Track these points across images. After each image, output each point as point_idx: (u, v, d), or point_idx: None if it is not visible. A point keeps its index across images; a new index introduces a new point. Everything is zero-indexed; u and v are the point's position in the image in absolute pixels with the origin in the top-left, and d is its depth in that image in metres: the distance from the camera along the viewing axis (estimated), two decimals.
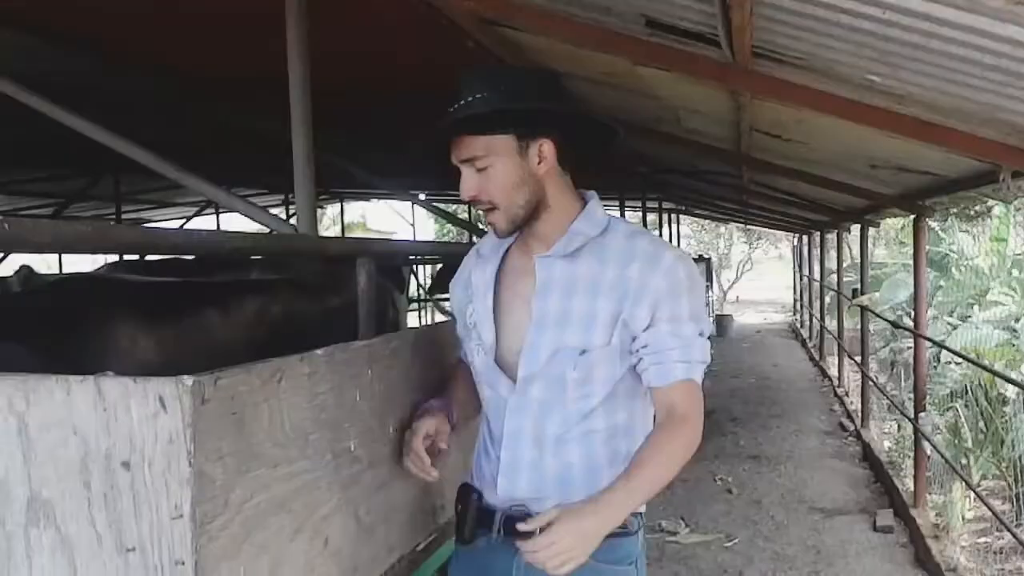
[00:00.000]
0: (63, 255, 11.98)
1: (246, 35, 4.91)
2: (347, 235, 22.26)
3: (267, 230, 4.92)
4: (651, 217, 19.44)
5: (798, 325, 25.18)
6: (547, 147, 2.29)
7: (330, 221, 30.63)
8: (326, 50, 5.05)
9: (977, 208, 7.65)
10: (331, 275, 5.31)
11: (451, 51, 5.26)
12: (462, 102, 2.23)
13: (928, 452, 7.74)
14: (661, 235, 20.83)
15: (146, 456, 1.49)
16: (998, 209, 11.31)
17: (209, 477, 1.51)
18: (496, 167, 2.26)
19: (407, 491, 2.39)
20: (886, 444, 10.32)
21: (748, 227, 31.08)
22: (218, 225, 17.11)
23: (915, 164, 5.79)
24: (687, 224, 33.11)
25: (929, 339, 8.17)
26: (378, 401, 2.21)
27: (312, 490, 1.85)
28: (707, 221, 32.28)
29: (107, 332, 4.70)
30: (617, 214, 12.19)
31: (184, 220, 17.09)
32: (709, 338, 2.30)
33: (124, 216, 14.63)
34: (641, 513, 2.36)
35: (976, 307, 10.58)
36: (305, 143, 3.59)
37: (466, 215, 20.10)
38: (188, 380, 1.47)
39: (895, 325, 10.22)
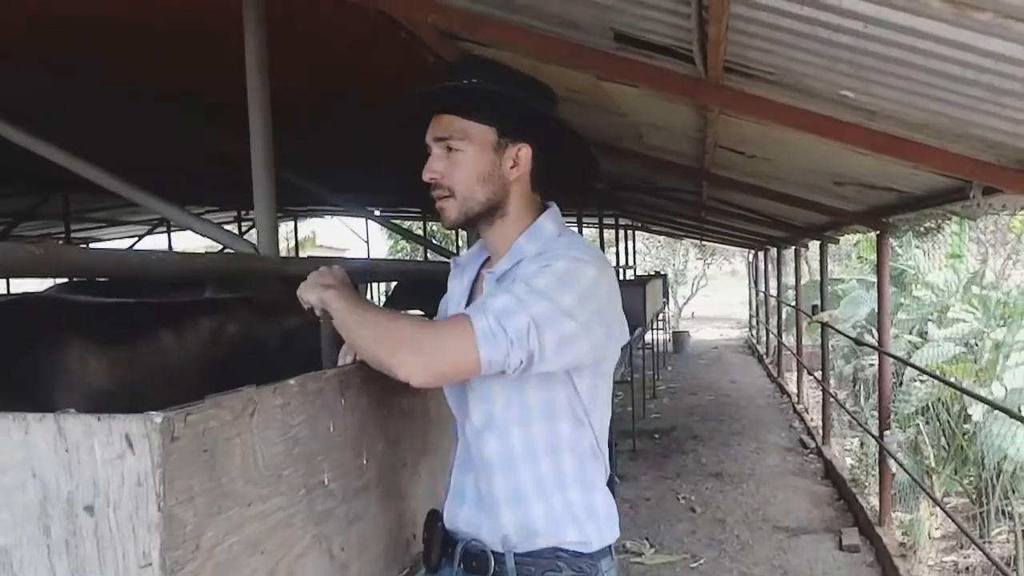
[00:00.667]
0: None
1: (199, 47, 4.80)
2: (299, 253, 22.09)
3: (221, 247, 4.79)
4: (608, 234, 19.47)
5: (754, 341, 25.26)
6: (524, 153, 2.19)
7: (282, 239, 30.37)
8: (279, 62, 4.99)
9: (928, 224, 7.65)
10: (288, 295, 5.18)
11: (411, 65, 5.18)
12: (456, 82, 2.16)
13: (893, 470, 7.72)
14: (617, 251, 20.93)
15: (111, 500, 1.37)
16: (953, 225, 11.36)
17: (180, 521, 1.40)
18: (467, 153, 2.16)
19: (381, 523, 2.29)
20: (848, 461, 10.32)
21: (703, 243, 31.19)
22: (170, 244, 16.85)
23: (881, 181, 5.77)
24: (643, 240, 33.19)
25: (894, 356, 8.17)
26: (352, 431, 2.10)
27: (286, 528, 1.75)
28: (663, 237, 32.36)
29: (56, 355, 4.56)
30: (574, 230, 12.13)
31: (135, 239, 16.84)
32: (635, 350, 2.20)
33: (74, 235, 14.40)
34: (611, 546, 2.25)
35: (935, 325, 10.61)
36: (265, 158, 3.48)
37: (421, 231, 20.01)
38: (157, 417, 1.36)
39: (858, 343, 10.22)
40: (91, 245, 18.39)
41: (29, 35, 4.64)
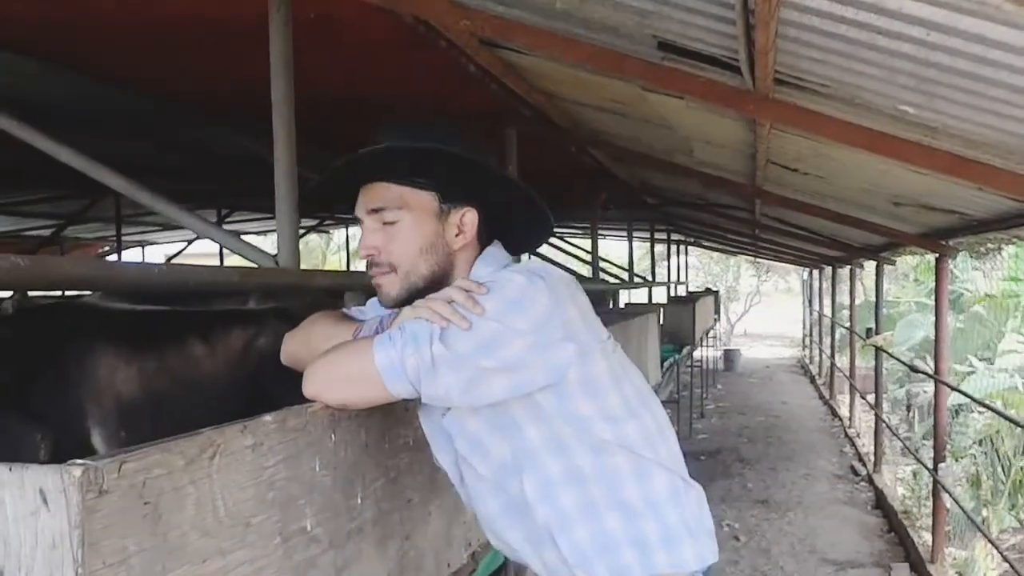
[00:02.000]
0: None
1: (226, 53, 4.68)
2: (352, 263, 21.96)
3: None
4: (659, 248, 19.22)
5: (807, 361, 24.84)
6: (470, 218, 1.99)
7: (336, 247, 30.40)
8: (322, 71, 4.86)
9: (989, 245, 7.35)
10: (320, 306, 5.02)
11: (453, 76, 5.03)
12: (383, 145, 1.94)
13: (947, 504, 7.40)
14: (668, 267, 20.64)
15: (23, 564, 1.17)
16: (1011, 247, 10.99)
17: None
18: (405, 223, 1.96)
19: (379, 568, 2.08)
20: (900, 491, 9.98)
21: (757, 260, 30.78)
22: (220, 250, 16.77)
23: (942, 202, 5.50)
24: (695, 256, 32.83)
25: (951, 386, 7.84)
26: (344, 470, 1.89)
27: None
28: (716, 253, 31.99)
29: (85, 362, 4.45)
30: (625, 245, 11.87)
31: (186, 243, 16.78)
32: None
33: (125, 238, 14.38)
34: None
35: (992, 352, 10.27)
36: (288, 166, 3.31)
37: None
38: (76, 469, 1.16)
39: (913, 369, 9.87)
40: (144, 248, 18.49)
41: (65, 38, 4.54)
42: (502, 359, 1.80)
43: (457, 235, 1.98)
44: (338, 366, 1.85)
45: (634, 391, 2.00)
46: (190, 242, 16.36)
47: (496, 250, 2.08)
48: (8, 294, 6.56)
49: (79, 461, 1.19)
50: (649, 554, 1.92)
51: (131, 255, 18.33)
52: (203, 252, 18.54)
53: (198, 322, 4.81)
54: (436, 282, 1.96)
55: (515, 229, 2.14)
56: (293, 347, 2.21)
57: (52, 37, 4.51)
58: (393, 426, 2.18)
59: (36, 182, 9.55)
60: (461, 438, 1.98)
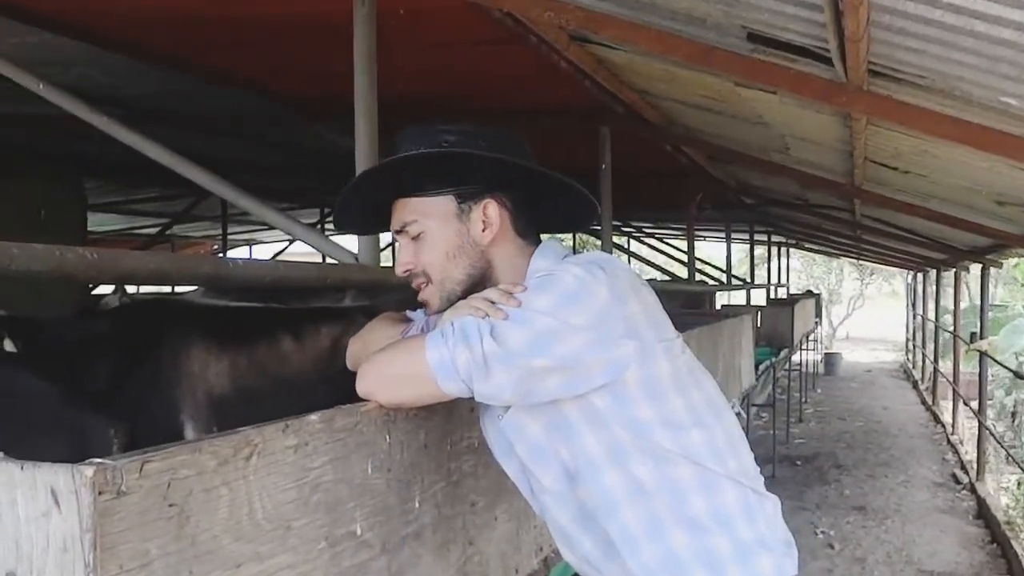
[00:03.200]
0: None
1: (320, 50, 4.68)
2: None
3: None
4: (759, 251, 18.94)
5: (910, 366, 24.29)
6: (492, 209, 1.91)
7: None
8: (409, 67, 4.84)
9: None
10: (410, 303, 5.00)
11: (544, 73, 4.97)
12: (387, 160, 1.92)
13: None
14: (768, 269, 20.32)
15: (35, 566, 1.12)
16: None
17: None
18: (429, 231, 1.91)
19: (435, 575, 2.01)
20: (1004, 501, 9.64)
21: (860, 262, 30.17)
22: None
23: None
24: (797, 258, 32.30)
25: None
26: (399, 472, 1.82)
27: None
28: (818, 255, 31.44)
29: (179, 357, 4.49)
30: (722, 247, 11.73)
31: (288, 242, 16.97)
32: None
33: (231, 236, 14.61)
34: None
35: None
36: (371, 162, 3.28)
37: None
38: (88, 469, 1.11)
39: (1019, 376, 9.54)
40: (252, 246, 18.77)
41: (160, 34, 4.61)
42: (557, 356, 1.72)
43: (484, 230, 1.91)
44: (390, 364, 1.81)
45: (703, 399, 1.90)
46: (291, 241, 16.55)
47: (553, 243, 2.02)
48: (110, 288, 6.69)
49: (96, 460, 1.14)
50: (721, 571, 1.82)
51: (237, 253, 18.66)
52: (307, 251, 18.76)
53: (288, 319, 4.84)
54: (475, 283, 1.91)
55: (557, 209, 2.07)
56: (354, 349, 2.21)
57: (147, 34, 4.56)
58: (456, 427, 2.11)
59: (147, 180, 9.76)
60: (521, 443, 1.90)
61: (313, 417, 1.56)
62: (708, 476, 1.84)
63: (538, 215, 2.02)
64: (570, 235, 13.80)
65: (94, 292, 7.43)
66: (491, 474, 2.27)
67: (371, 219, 2.09)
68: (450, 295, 1.91)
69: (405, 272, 1.95)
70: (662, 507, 1.82)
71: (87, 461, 1.13)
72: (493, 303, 1.77)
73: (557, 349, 1.72)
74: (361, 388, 1.81)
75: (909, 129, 3.86)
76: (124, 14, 4.21)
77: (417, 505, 1.91)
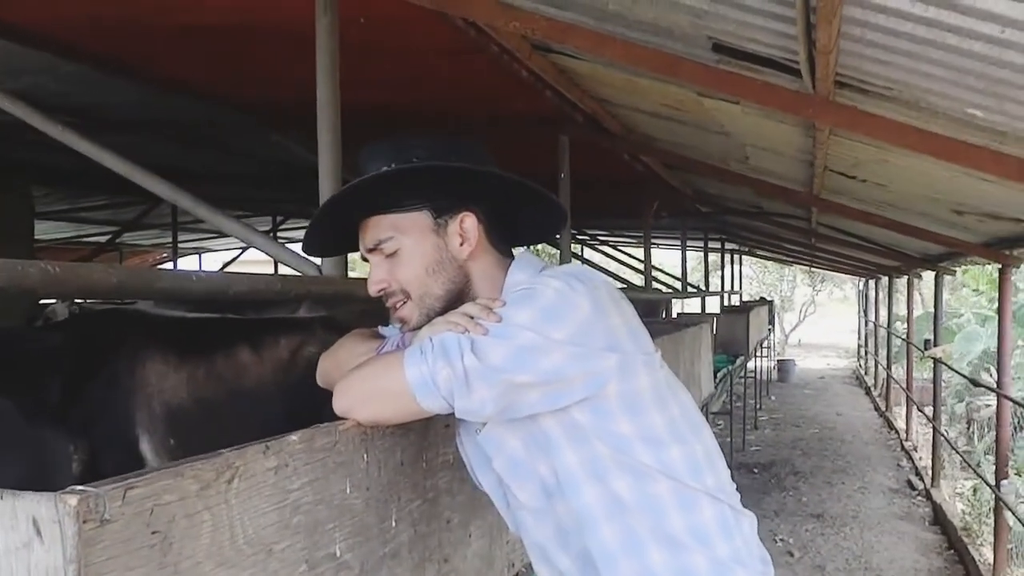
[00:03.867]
0: None
1: (277, 59, 4.64)
2: None
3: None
4: (712, 258, 19.03)
5: (862, 372, 24.52)
6: (469, 222, 1.88)
7: None
8: (370, 76, 4.79)
9: None
10: (369, 315, 4.96)
11: (505, 82, 4.95)
12: (359, 179, 1.86)
13: (1011, 523, 7.17)
14: (722, 276, 20.43)
15: None
16: None
17: None
18: (406, 247, 1.87)
19: None
20: (960, 507, 9.72)
21: (812, 269, 30.42)
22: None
23: (1008, 210, 5.31)
24: (749, 265, 32.51)
25: (1015, 400, 7.60)
26: (377, 491, 1.79)
27: None
28: (770, 262, 31.66)
29: (135, 369, 4.42)
30: (678, 254, 11.73)
31: (240, 250, 16.85)
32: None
33: (182, 244, 14.45)
34: None
35: None
36: (333, 172, 3.24)
37: None
38: (72, 498, 1.06)
39: (974, 383, 9.62)
40: (201, 255, 18.57)
41: (116, 43, 4.53)
42: (538, 371, 1.69)
43: (461, 244, 1.88)
44: (369, 381, 1.77)
45: (682, 414, 1.87)
46: (243, 249, 16.40)
47: (529, 256, 1.99)
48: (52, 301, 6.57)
49: (78, 488, 1.09)
50: None
51: (188, 262, 18.47)
52: (258, 259, 18.61)
53: (246, 330, 4.77)
54: (454, 298, 1.87)
55: (527, 220, 2.04)
56: (325, 366, 2.17)
57: (101, 41, 4.49)
58: (432, 444, 2.07)
59: (95, 187, 9.64)
60: (499, 457, 1.87)
61: (293, 437, 1.52)
62: (687, 492, 1.82)
63: (509, 226, 2.00)
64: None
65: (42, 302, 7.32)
66: (466, 490, 2.24)
67: (338, 241, 2.05)
68: (429, 311, 1.87)
69: (380, 291, 1.91)
70: (640, 524, 1.80)
71: (69, 489, 1.09)
72: (472, 318, 1.74)
73: (539, 364, 1.69)
74: (338, 406, 1.76)
75: (875, 140, 3.87)
76: (79, 23, 4.13)
77: (394, 524, 1.87)
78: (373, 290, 1.91)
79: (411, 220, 1.87)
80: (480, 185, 1.90)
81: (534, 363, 1.69)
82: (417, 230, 1.87)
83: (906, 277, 14.64)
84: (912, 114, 3.31)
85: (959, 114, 3.14)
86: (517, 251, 2.05)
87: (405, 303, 1.89)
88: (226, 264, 15.43)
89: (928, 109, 3.22)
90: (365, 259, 1.95)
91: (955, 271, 11.03)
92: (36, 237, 10.28)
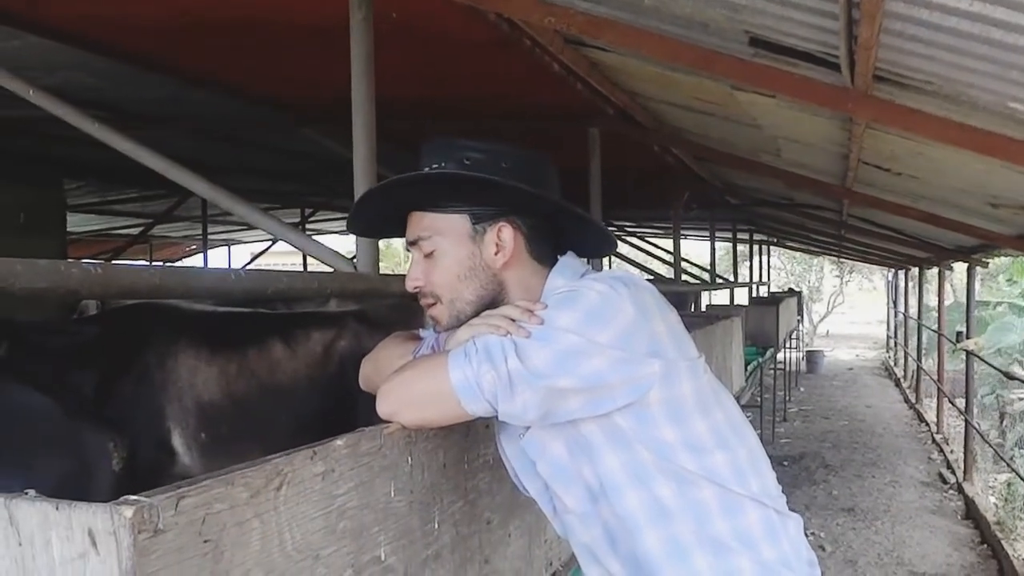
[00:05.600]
0: None
1: (310, 54, 4.65)
2: None
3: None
4: (740, 248, 18.95)
5: (892, 363, 24.33)
6: (507, 233, 1.88)
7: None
8: (403, 71, 4.79)
9: None
10: (400, 308, 4.96)
11: (537, 75, 4.94)
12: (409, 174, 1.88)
13: None
14: (751, 267, 20.34)
15: None
16: None
17: None
18: (441, 249, 1.89)
19: None
20: (992, 500, 9.64)
21: (841, 260, 30.25)
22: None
23: None
24: (777, 256, 32.35)
25: None
26: (420, 493, 1.79)
27: None
28: (798, 253, 31.50)
29: (167, 364, 4.43)
30: (706, 245, 11.72)
31: (270, 242, 16.91)
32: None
33: (211, 236, 14.51)
34: None
35: None
36: (367, 166, 3.24)
37: None
38: (127, 510, 1.06)
39: (1008, 376, 9.53)
40: (230, 247, 18.66)
41: (148, 39, 4.55)
42: (581, 375, 1.69)
43: (496, 253, 1.88)
44: (413, 385, 1.76)
45: (726, 419, 1.86)
46: (274, 241, 16.45)
47: (571, 260, 1.97)
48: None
49: (132, 498, 1.09)
50: None
51: (217, 253, 18.56)
52: (287, 250, 18.67)
53: (278, 324, 4.78)
54: (486, 304, 1.88)
55: (574, 235, 2.02)
56: (366, 371, 2.18)
57: (135, 38, 4.51)
58: (473, 445, 2.07)
59: (126, 181, 9.70)
60: (543, 461, 1.86)
61: (339, 442, 1.52)
62: (731, 498, 1.81)
63: (557, 242, 1.98)
64: None
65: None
66: (504, 490, 2.24)
67: (385, 225, 2.06)
68: (460, 314, 1.88)
69: (415, 288, 1.92)
70: (684, 528, 1.79)
71: (123, 499, 1.09)
72: (514, 320, 1.73)
73: (582, 368, 1.68)
74: (383, 409, 1.76)
75: (914, 134, 3.83)
76: (113, 19, 4.15)
77: (437, 526, 1.87)
78: (409, 285, 1.93)
79: (449, 223, 1.88)
80: (523, 198, 1.89)
81: (576, 367, 1.68)
82: (454, 234, 1.88)
83: (937, 268, 14.53)
84: (951, 108, 3.27)
85: (1000, 108, 3.10)
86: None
87: (435, 305, 1.90)
88: (256, 255, 15.48)
89: (968, 103, 3.17)
90: (407, 249, 1.96)
91: (987, 263, 10.93)
92: (68, 230, 10.35)
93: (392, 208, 1.95)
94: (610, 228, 15.76)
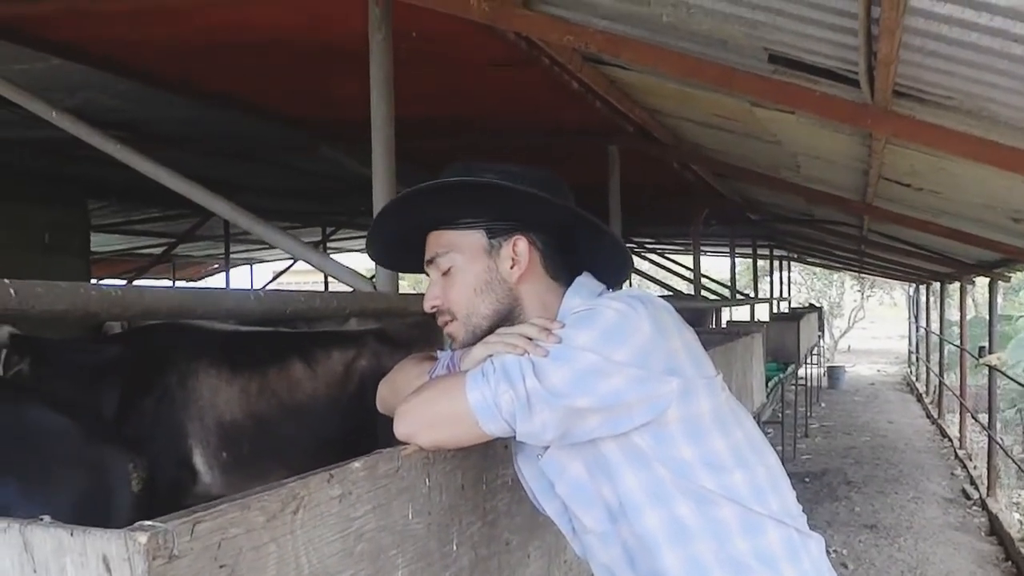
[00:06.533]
0: None
1: (330, 73, 4.67)
2: None
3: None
4: (760, 263, 18.90)
5: (913, 379, 24.20)
6: (522, 246, 1.88)
7: None
8: (422, 89, 4.80)
9: None
10: (420, 327, 4.96)
11: (555, 93, 4.95)
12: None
13: None
14: (771, 282, 20.28)
15: None
16: None
17: None
18: (457, 266, 1.89)
19: None
20: (1016, 517, 9.55)
21: (862, 275, 30.13)
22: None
23: None
24: (797, 271, 32.25)
25: None
26: (439, 515, 1.78)
27: None
28: (819, 268, 31.40)
29: (188, 383, 4.44)
30: (726, 261, 11.71)
31: (292, 261, 16.97)
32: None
33: (233, 255, 14.57)
34: None
35: None
36: (387, 185, 3.24)
37: None
38: (142, 536, 1.05)
39: None
40: (252, 265, 18.71)
41: (168, 60, 4.57)
42: (600, 394, 1.67)
43: (512, 267, 1.88)
44: (430, 406, 1.76)
45: (744, 437, 1.85)
46: (295, 260, 16.51)
47: (588, 280, 1.96)
48: None
49: (147, 523, 1.09)
50: None
51: (239, 272, 18.63)
52: (309, 269, 18.73)
53: (299, 344, 4.79)
54: (502, 319, 1.87)
55: (590, 257, 2.01)
56: (383, 392, 2.18)
57: (156, 59, 4.54)
58: (491, 466, 2.06)
59: (149, 201, 9.77)
60: (562, 482, 1.85)
61: (356, 464, 1.51)
62: (751, 517, 1.79)
63: (573, 261, 1.98)
64: None
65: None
66: (524, 511, 2.22)
67: (402, 254, 2.07)
68: (476, 330, 1.88)
69: (432, 308, 1.93)
70: (704, 548, 1.77)
71: (138, 525, 1.08)
72: (531, 339, 1.73)
73: (600, 387, 1.67)
74: (400, 431, 1.76)
75: (935, 149, 3.81)
76: (134, 41, 4.18)
77: (455, 548, 1.86)
78: (427, 306, 1.93)
79: (465, 239, 1.89)
80: (541, 214, 1.90)
81: (594, 386, 1.67)
82: (470, 249, 1.88)
83: (958, 283, 14.45)
84: (972, 123, 3.25)
85: (1022, 123, 3.08)
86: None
87: (453, 322, 1.90)
88: (278, 274, 15.55)
89: (989, 118, 3.16)
90: (426, 272, 1.96)
91: (1010, 277, 10.87)
92: (92, 249, 10.42)
93: (409, 227, 1.95)
94: (629, 245, 15.76)
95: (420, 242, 1.95)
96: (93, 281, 10.13)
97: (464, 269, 1.88)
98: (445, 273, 1.90)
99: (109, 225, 11.44)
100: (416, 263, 1.99)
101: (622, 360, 1.68)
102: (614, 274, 2.10)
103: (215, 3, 3.60)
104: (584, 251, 2.00)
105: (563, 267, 1.95)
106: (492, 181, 1.85)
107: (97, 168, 6.85)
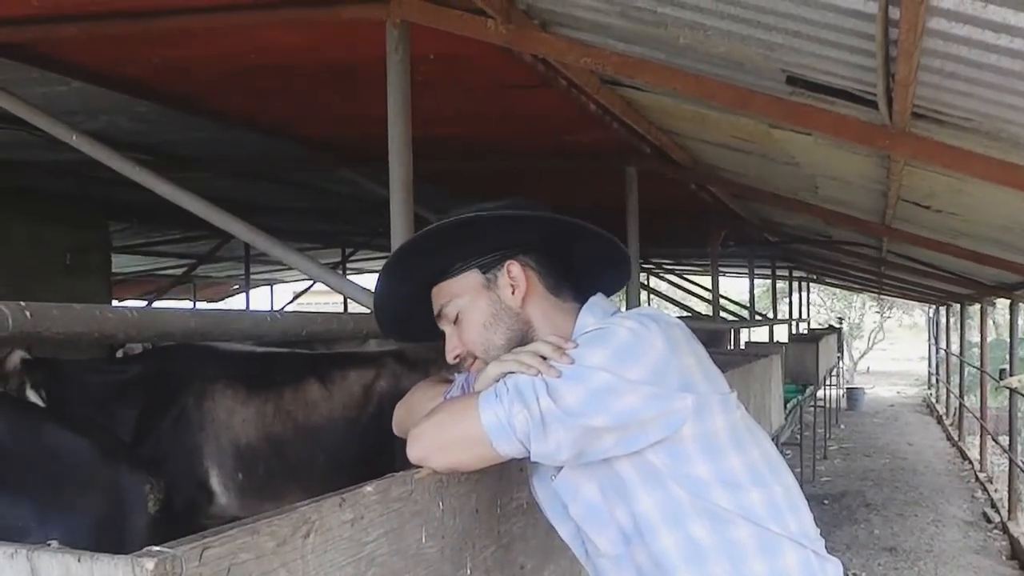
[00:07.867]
0: None
1: (348, 95, 4.69)
2: None
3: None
4: (779, 284, 18.85)
5: (933, 400, 24.06)
6: (516, 269, 1.92)
7: None
8: (440, 111, 4.82)
9: None
10: (438, 348, 4.94)
11: (573, 115, 4.95)
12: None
13: None
14: (790, 303, 20.21)
15: None
16: None
17: None
18: (464, 310, 1.93)
19: None
20: None
21: (881, 296, 30.01)
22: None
23: None
24: (816, 292, 32.14)
25: None
26: (452, 539, 1.77)
27: None
28: (838, 289, 31.28)
29: (204, 404, 4.45)
30: (744, 282, 11.67)
31: (312, 281, 17.03)
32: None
33: (254, 276, 14.62)
34: None
35: None
36: (404, 206, 3.25)
37: None
38: (149, 562, 1.05)
39: None
40: (272, 286, 18.78)
41: (187, 82, 4.60)
42: (614, 413, 1.68)
43: (513, 292, 1.91)
44: (443, 428, 1.77)
45: (761, 456, 1.84)
46: (314, 280, 16.54)
47: (601, 299, 1.99)
48: None
49: (155, 549, 1.08)
50: None
51: (260, 293, 18.69)
52: (328, 290, 18.76)
53: (316, 365, 4.79)
54: (516, 345, 1.88)
55: (587, 265, 2.05)
56: (399, 415, 2.22)
57: (175, 81, 4.56)
58: (506, 489, 2.05)
59: (169, 223, 9.82)
60: (575, 504, 1.85)
61: (368, 488, 1.51)
62: (768, 537, 1.78)
63: (573, 274, 2.01)
64: None
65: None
66: (539, 535, 2.21)
67: (414, 329, 2.11)
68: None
69: (455, 359, 1.96)
70: (720, 570, 1.76)
71: (145, 551, 1.08)
72: (544, 359, 1.73)
73: (615, 405, 1.68)
74: (413, 454, 1.76)
75: (954, 171, 3.79)
76: (156, 64, 4.21)
77: (469, 572, 1.86)
78: (450, 358, 1.96)
79: (461, 283, 1.93)
80: (525, 235, 1.95)
81: (609, 404, 1.68)
82: (469, 291, 1.92)
83: (979, 304, 14.36)
84: (992, 144, 3.24)
85: None
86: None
87: (475, 362, 1.93)
88: (298, 295, 15.60)
89: (1009, 140, 3.14)
90: (440, 327, 1.99)
91: None
92: (114, 270, 10.48)
93: (409, 290, 2.00)
94: (647, 266, 15.75)
95: (427, 311, 1.99)
96: (114, 302, 10.18)
97: (469, 309, 1.92)
98: (455, 321, 1.93)
99: (130, 246, 11.50)
100: (429, 327, 2.01)
101: (636, 378, 1.69)
102: (614, 272, 2.12)
103: (235, 26, 3.61)
104: (581, 259, 2.03)
105: (563, 281, 1.98)
106: (463, 216, 1.88)
107: (118, 190, 6.89)
